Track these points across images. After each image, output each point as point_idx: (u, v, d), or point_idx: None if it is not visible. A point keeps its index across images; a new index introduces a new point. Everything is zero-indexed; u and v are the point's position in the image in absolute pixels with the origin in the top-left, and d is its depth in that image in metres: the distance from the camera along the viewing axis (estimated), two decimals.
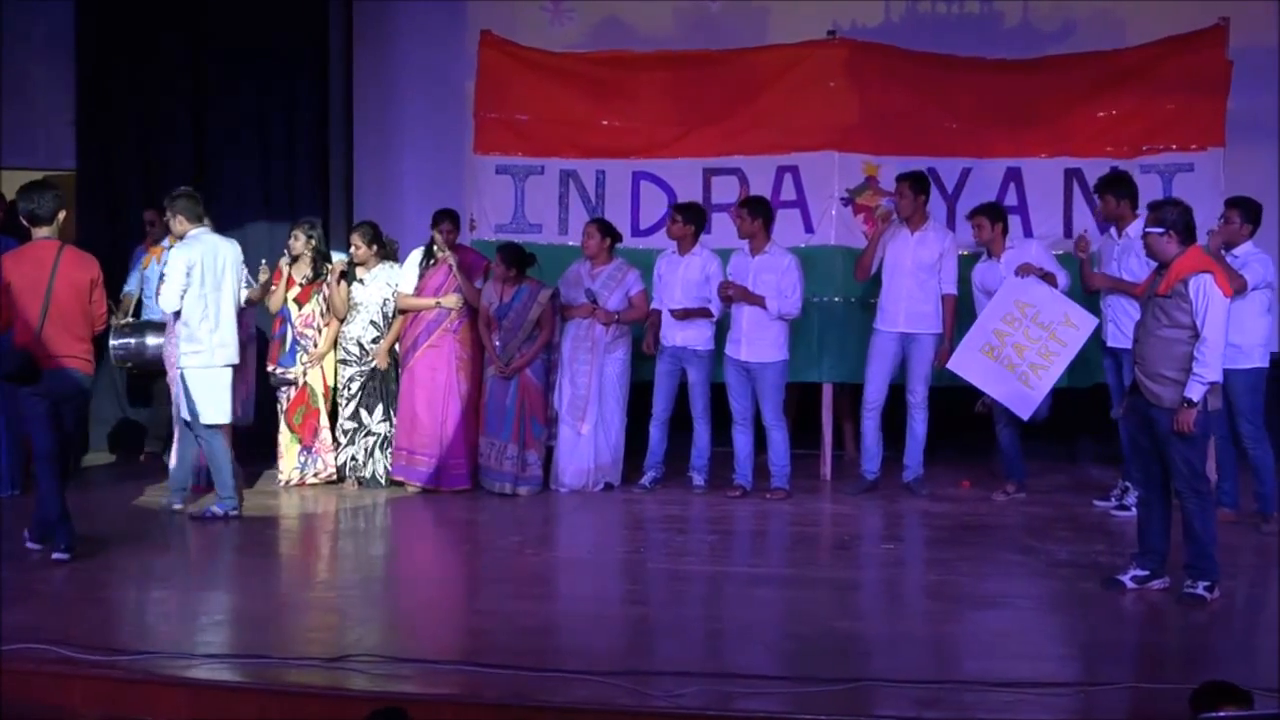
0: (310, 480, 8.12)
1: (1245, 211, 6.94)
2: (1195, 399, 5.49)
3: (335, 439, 8.18)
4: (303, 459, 8.14)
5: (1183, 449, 5.57)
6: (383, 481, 8.06)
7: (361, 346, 8.12)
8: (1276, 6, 8.88)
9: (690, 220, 8.03)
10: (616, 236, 8.17)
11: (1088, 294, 7.58)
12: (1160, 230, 5.65)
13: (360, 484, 8.08)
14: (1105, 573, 6.02)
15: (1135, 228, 7.12)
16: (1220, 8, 8.12)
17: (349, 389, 8.12)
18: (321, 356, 8.15)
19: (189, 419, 7.12)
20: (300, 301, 8.14)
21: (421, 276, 8.08)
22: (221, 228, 7.67)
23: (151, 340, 8.01)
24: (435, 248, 8.07)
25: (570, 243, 8.52)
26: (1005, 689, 4.49)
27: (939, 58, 8.59)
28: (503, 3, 9.64)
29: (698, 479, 8.11)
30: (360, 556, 6.92)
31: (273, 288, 8.03)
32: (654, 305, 8.11)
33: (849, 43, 8.63)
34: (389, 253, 8.36)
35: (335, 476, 8.17)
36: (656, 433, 8.14)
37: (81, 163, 9.62)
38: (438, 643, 5.12)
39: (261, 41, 9.58)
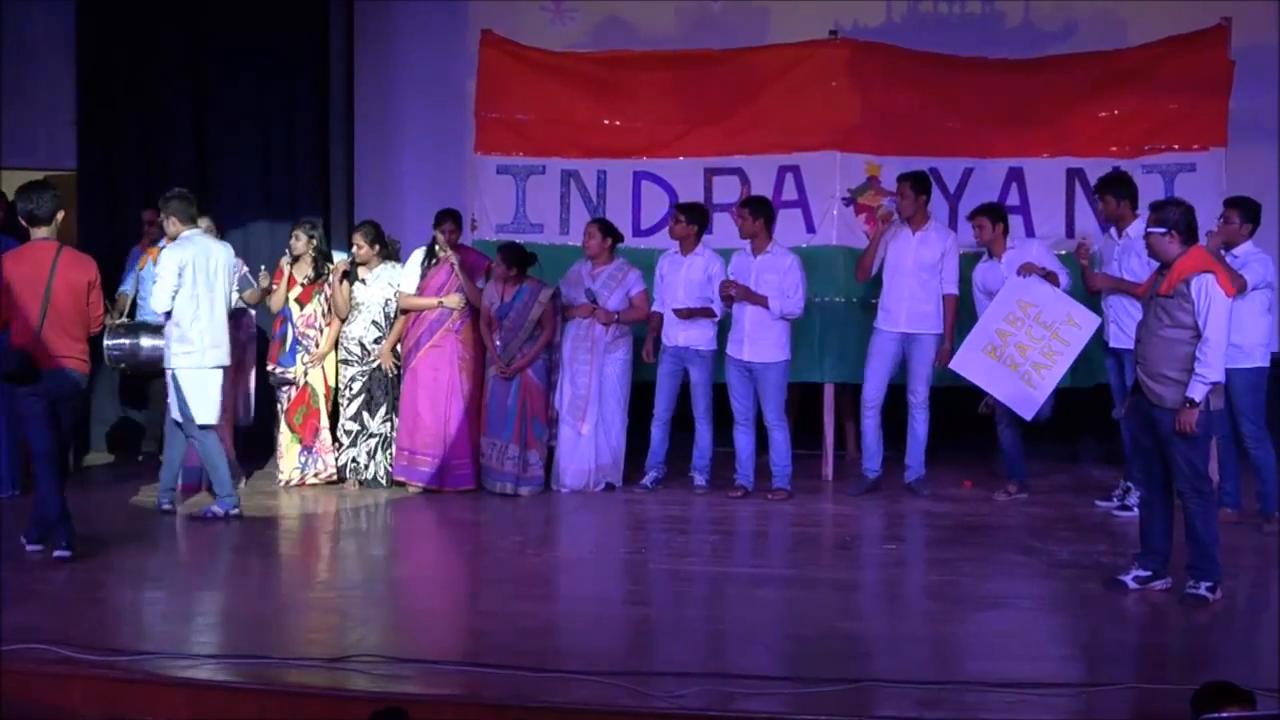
0: (310, 480, 8.12)
1: (1244, 211, 6.93)
2: (1197, 399, 5.48)
3: (336, 439, 8.18)
4: (303, 459, 8.13)
5: (1185, 449, 5.56)
6: (384, 482, 8.06)
7: (363, 346, 8.11)
8: (1277, 6, 8.87)
9: (693, 220, 8.02)
10: (618, 236, 8.16)
11: (1089, 295, 7.58)
12: (1162, 230, 5.64)
13: (361, 484, 8.08)
14: (1107, 573, 6.02)
15: (1135, 228, 7.13)
16: (1222, 8, 8.12)
17: (350, 389, 8.11)
18: (323, 356, 8.14)
19: (180, 420, 7.11)
20: (302, 301, 8.13)
21: (423, 276, 8.07)
22: (222, 228, 7.65)
23: (146, 341, 7.95)
24: (437, 247, 8.06)
25: (571, 243, 8.52)
26: (1007, 689, 4.48)
27: (941, 57, 8.58)
28: (504, 2, 9.62)
29: (699, 479, 8.10)
30: (361, 557, 6.91)
31: (274, 288, 8.03)
32: (656, 306, 8.10)
33: (850, 42, 8.62)
34: (391, 253, 8.36)
35: (336, 477, 8.16)
36: (658, 433, 8.13)
37: (82, 163, 9.61)
38: (438, 643, 5.12)
39: (262, 41, 9.57)
